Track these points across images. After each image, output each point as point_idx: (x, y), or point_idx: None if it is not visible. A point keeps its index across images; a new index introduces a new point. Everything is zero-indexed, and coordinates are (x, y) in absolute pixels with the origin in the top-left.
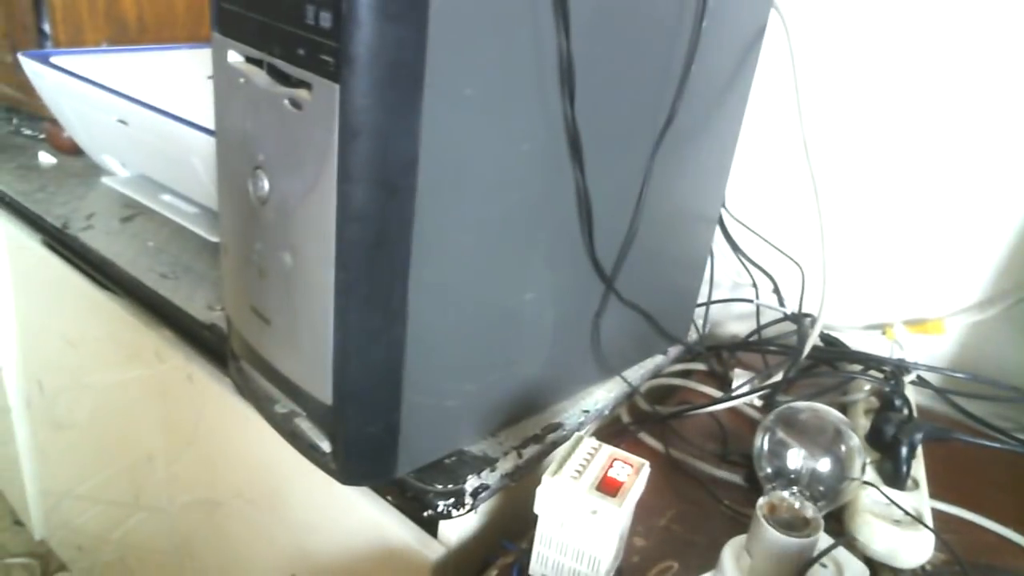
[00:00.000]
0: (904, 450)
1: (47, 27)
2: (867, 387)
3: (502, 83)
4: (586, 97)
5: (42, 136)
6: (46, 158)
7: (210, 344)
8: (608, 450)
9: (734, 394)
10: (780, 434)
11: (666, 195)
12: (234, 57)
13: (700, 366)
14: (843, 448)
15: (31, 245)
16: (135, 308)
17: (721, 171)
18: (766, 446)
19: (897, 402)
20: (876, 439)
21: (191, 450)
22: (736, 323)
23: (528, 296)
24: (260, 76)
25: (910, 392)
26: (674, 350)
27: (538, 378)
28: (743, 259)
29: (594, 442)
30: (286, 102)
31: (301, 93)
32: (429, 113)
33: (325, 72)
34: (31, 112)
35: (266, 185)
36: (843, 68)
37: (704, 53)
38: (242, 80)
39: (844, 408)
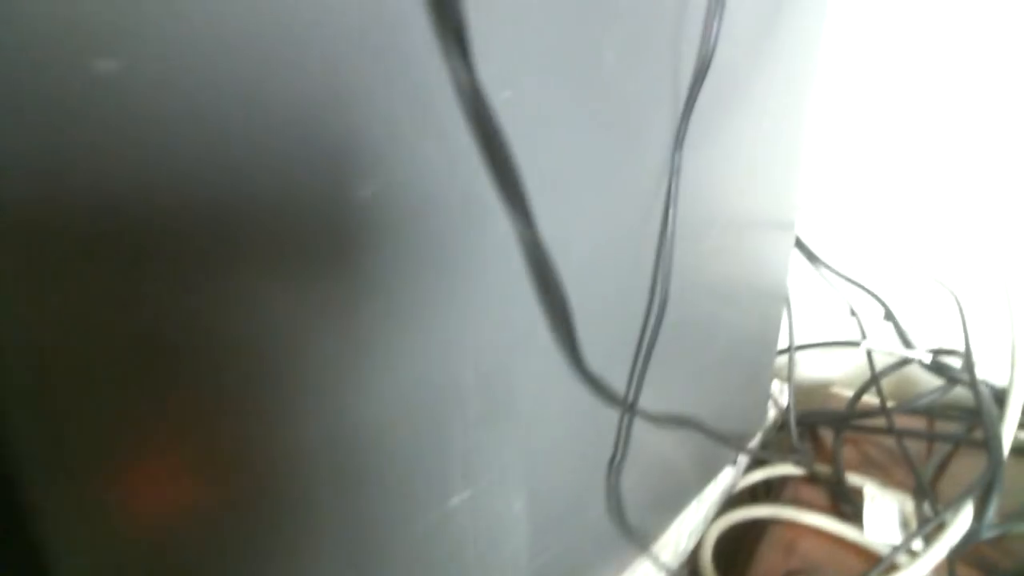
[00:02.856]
0: None
1: None
2: None
3: None
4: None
5: None
6: None
7: None
8: None
9: (887, 561)
10: None
11: (704, 203)
12: None
13: (792, 469)
14: None
15: None
16: None
17: (789, 168)
18: None
19: None
20: None
21: None
22: (821, 366)
23: (455, 501)
24: None
25: None
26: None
27: None
28: (833, 276)
29: None
30: None
31: None
32: None
33: None
34: None
35: None
36: None
37: None
38: None
39: None
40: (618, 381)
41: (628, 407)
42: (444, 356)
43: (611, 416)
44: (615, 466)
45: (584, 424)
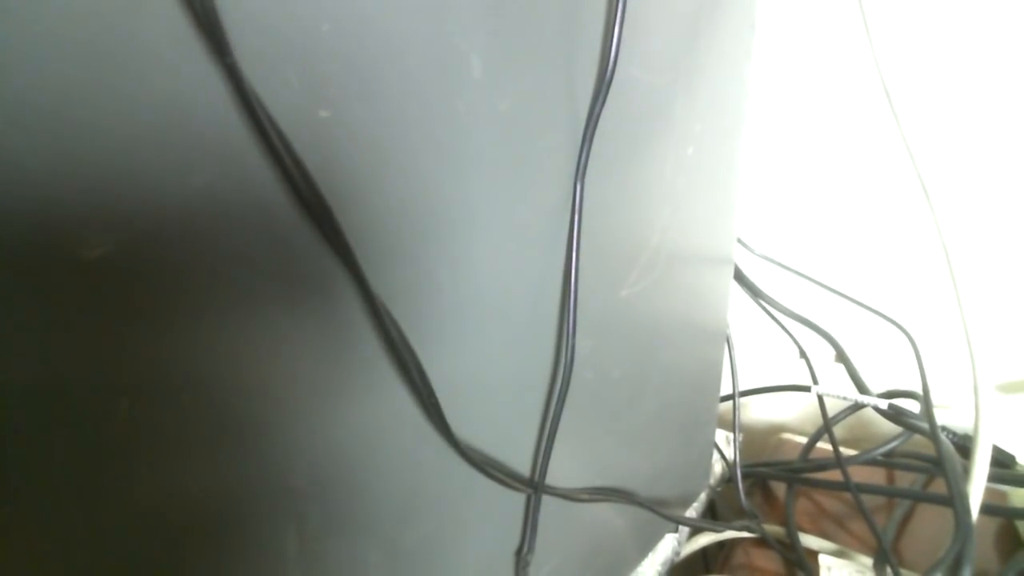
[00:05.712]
0: None
1: None
2: None
3: None
4: None
5: None
6: None
7: None
8: None
9: None
10: None
11: (620, 239)
12: None
13: (742, 533)
14: None
15: None
16: None
17: (724, 198)
18: None
19: None
20: None
21: None
22: (770, 410)
23: None
24: None
25: None
26: (693, 508)
27: None
28: (779, 314)
29: None
30: None
31: None
32: None
33: None
34: None
35: None
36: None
37: None
38: None
39: None
40: (523, 456)
41: (534, 487)
42: (262, 455)
43: (515, 499)
44: (523, 558)
45: (478, 512)
